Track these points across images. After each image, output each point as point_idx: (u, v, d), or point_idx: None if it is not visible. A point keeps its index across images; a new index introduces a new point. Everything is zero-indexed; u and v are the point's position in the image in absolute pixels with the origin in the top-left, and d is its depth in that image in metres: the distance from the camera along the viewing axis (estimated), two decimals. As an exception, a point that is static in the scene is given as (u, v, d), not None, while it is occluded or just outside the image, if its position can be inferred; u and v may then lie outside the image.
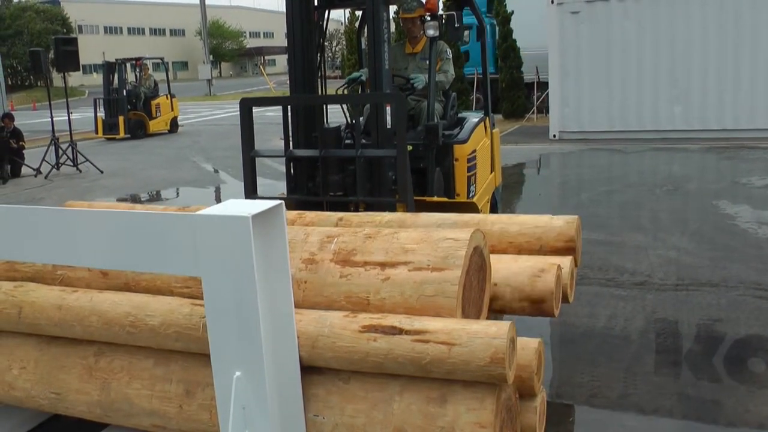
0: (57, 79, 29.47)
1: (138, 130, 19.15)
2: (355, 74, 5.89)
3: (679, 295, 5.36)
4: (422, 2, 5.65)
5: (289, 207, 4.42)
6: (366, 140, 5.06)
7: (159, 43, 69.90)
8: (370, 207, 4.67)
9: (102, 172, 13.09)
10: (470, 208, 5.23)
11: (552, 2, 14.24)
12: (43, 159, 13.05)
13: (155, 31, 76.06)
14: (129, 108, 19.06)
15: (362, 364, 2.39)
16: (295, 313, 2.37)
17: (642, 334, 4.72)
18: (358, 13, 7.45)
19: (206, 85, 41.27)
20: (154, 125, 19.67)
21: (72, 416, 3.01)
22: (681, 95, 13.72)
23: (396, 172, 4.71)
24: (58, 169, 13.16)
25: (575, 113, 14.57)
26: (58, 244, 2.37)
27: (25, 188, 12.07)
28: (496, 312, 3.09)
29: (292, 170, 5.16)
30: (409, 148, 4.92)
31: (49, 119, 13.62)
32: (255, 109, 5.09)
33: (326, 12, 5.62)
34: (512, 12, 17.83)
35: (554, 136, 14.69)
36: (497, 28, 18.32)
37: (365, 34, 5.74)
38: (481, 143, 6.02)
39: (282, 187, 5.49)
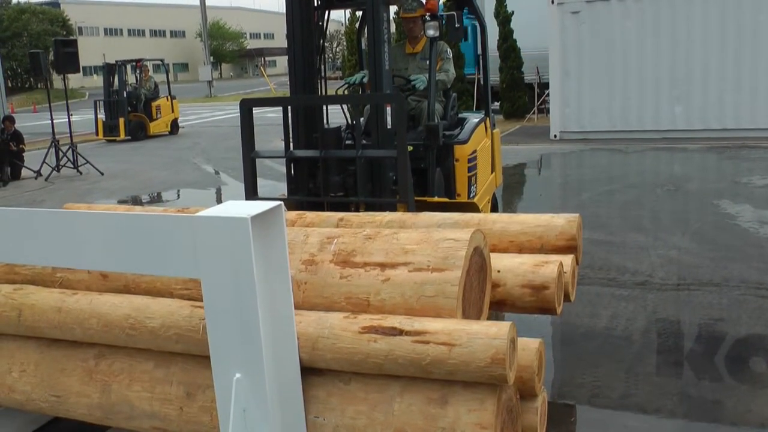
0: (57, 81, 29.46)
1: (138, 132, 19.14)
2: (352, 78, 5.89)
3: (681, 295, 5.35)
4: (422, 2, 5.65)
5: (289, 208, 4.42)
6: (366, 141, 5.06)
7: (159, 45, 69.95)
8: (370, 207, 4.66)
9: (102, 174, 13.09)
10: (471, 208, 5.23)
11: (552, 2, 14.23)
12: (44, 161, 13.05)
13: (155, 33, 76.11)
14: (129, 110, 19.05)
15: (363, 366, 2.39)
16: (295, 315, 2.37)
17: (643, 333, 4.71)
18: (359, 13, 7.45)
19: (207, 86, 41.27)
20: (154, 127, 19.66)
21: (73, 419, 3.01)
22: (682, 95, 13.70)
23: (396, 172, 4.71)
24: (58, 171, 13.16)
25: (576, 113, 14.56)
26: (58, 247, 2.37)
27: (25, 191, 12.07)
28: (497, 302, 3.06)
29: (292, 171, 5.15)
30: (410, 148, 4.92)
31: (50, 121, 13.62)
32: (255, 110, 5.08)
33: (326, 13, 5.62)
34: (512, 12, 17.81)
35: (555, 136, 14.67)
36: (497, 29, 18.29)
37: (365, 35, 5.74)
38: (482, 143, 6.02)
39: (283, 188, 5.49)
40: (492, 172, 6.51)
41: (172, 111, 20.49)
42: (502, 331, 2.25)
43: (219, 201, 10.31)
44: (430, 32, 5.33)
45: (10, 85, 45.82)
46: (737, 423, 3.60)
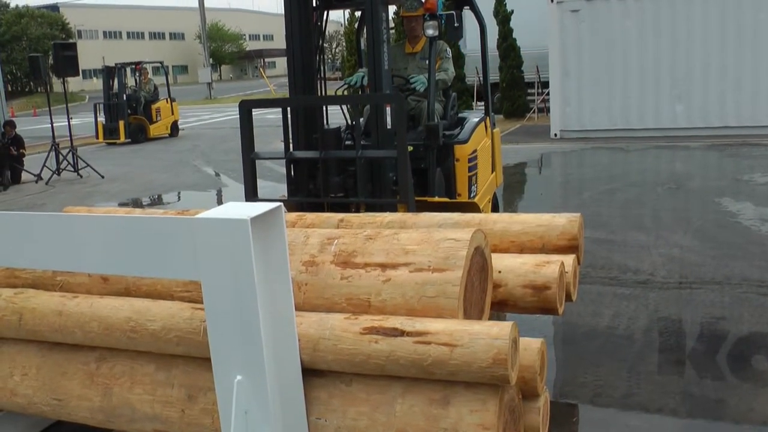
0: (57, 84, 29.52)
1: (138, 135, 19.15)
2: (351, 78, 5.88)
3: (682, 294, 5.34)
4: (422, 1, 5.64)
5: (290, 209, 4.41)
6: (366, 141, 5.05)
7: (159, 47, 69.98)
8: (371, 208, 4.66)
9: (103, 177, 13.09)
10: (471, 208, 5.22)
11: (552, 1, 14.22)
12: (44, 165, 13.05)
13: (155, 35, 76.14)
14: (129, 112, 19.04)
15: (364, 367, 2.38)
16: (296, 316, 2.36)
17: (645, 332, 4.71)
18: (358, 13, 7.45)
19: (206, 88, 41.28)
20: (154, 129, 19.66)
21: (74, 422, 3.00)
22: (682, 93, 13.69)
23: (397, 172, 4.71)
24: (58, 174, 13.16)
25: (576, 112, 14.55)
26: (58, 250, 2.37)
27: (26, 194, 12.07)
28: (499, 303, 3.04)
29: (292, 172, 5.15)
30: (410, 148, 4.91)
31: (50, 125, 13.62)
32: (255, 112, 5.08)
33: (325, 13, 5.61)
34: (512, 11, 17.80)
35: (555, 135, 14.67)
36: (497, 28, 18.28)
37: (364, 35, 5.73)
38: (482, 143, 6.01)
39: (283, 190, 5.49)
40: (492, 172, 6.50)
41: (172, 113, 20.49)
42: (503, 332, 2.25)
43: (220, 203, 10.30)
44: (430, 32, 5.32)
45: (10, 89, 45.87)
46: (739, 421, 3.59)
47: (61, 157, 13.27)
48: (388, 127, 4.83)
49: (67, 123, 13.85)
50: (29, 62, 14.50)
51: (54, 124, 13.56)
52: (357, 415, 2.41)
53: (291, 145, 5.11)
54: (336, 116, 5.74)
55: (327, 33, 6.17)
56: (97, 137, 19.09)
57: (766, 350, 4.36)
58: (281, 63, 73.77)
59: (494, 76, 17.62)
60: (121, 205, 10.49)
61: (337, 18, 61.52)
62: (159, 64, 22.53)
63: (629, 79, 14.04)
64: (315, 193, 5.08)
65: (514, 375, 2.28)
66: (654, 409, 3.72)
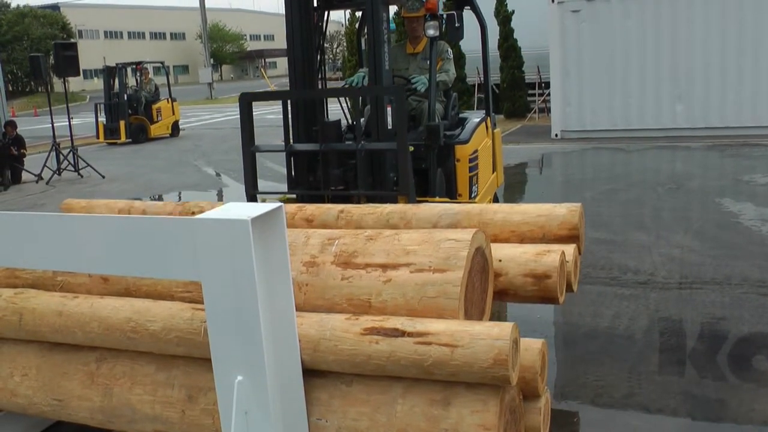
0: (57, 84, 29.48)
1: (139, 135, 19.15)
2: (351, 78, 5.88)
3: (683, 294, 5.34)
4: (423, 1, 5.64)
5: (290, 203, 4.41)
6: (366, 141, 5.05)
7: (159, 47, 70.02)
8: (371, 200, 4.65)
9: (104, 177, 13.09)
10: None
11: (553, 1, 14.22)
12: (45, 165, 13.06)
13: (155, 35, 76.16)
14: (130, 112, 19.05)
15: (364, 367, 2.38)
16: (297, 317, 2.36)
17: (646, 333, 4.70)
18: (359, 14, 7.45)
19: (207, 88, 41.30)
20: (155, 129, 19.67)
21: (75, 423, 3.00)
22: (683, 93, 13.68)
23: (397, 164, 4.70)
24: (59, 174, 13.16)
25: (577, 112, 14.53)
26: (59, 250, 2.37)
27: (26, 194, 12.07)
28: (499, 292, 3.01)
29: (292, 165, 5.15)
30: (411, 148, 4.91)
31: (50, 125, 13.62)
32: (255, 112, 5.08)
33: (326, 13, 5.61)
34: (513, 11, 17.79)
35: (556, 135, 14.65)
36: (498, 29, 18.28)
37: (365, 35, 5.73)
38: (483, 143, 6.01)
39: (283, 189, 5.49)
40: (493, 172, 6.50)
41: (173, 113, 20.50)
42: (504, 332, 2.24)
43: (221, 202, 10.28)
44: (430, 32, 5.33)
45: (10, 88, 45.92)
46: (740, 422, 3.59)
47: (61, 157, 13.28)
48: (389, 127, 4.82)
49: (67, 123, 13.85)
50: (30, 62, 14.50)
51: (55, 124, 13.57)
52: (357, 416, 2.41)
53: (291, 138, 5.11)
54: (336, 117, 5.73)
55: (328, 33, 6.16)
56: (98, 137, 19.10)
57: (767, 350, 4.35)
58: (282, 63, 73.85)
59: (495, 76, 17.64)
60: (122, 205, 10.46)
61: (338, 18, 61.55)
62: (160, 64, 22.54)
63: (630, 79, 14.03)
64: (315, 185, 5.08)
65: (514, 375, 2.28)
66: (655, 409, 3.71)
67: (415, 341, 2.29)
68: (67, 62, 13.39)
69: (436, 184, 5.31)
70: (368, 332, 2.36)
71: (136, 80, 20.49)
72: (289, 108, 5.17)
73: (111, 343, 2.81)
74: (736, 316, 4.84)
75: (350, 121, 5.62)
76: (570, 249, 3.17)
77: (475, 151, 5.73)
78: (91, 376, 2.87)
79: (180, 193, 11.60)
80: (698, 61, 13.48)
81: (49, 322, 2.90)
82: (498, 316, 4.57)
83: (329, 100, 5.57)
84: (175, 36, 77.99)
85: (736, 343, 4.48)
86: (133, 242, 2.22)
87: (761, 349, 4.38)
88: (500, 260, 2.98)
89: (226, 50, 76.31)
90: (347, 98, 5.98)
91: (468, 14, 6.33)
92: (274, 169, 11.39)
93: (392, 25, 15.01)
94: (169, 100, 20.27)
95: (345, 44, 24.84)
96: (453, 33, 5.64)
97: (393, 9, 9.54)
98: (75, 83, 42.61)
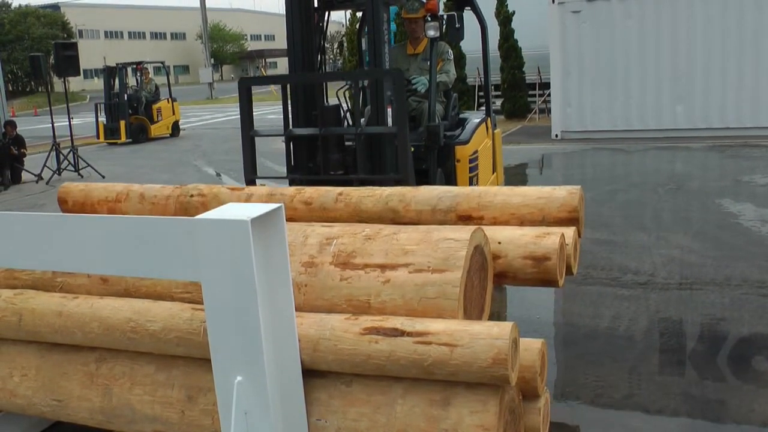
0: (58, 84, 29.51)
1: (139, 135, 19.15)
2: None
3: (683, 295, 5.34)
4: (423, 2, 5.64)
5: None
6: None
7: (160, 47, 70.04)
8: (370, 184, 4.64)
9: (104, 177, 13.08)
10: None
11: (553, 2, 14.21)
12: (45, 165, 13.06)
13: (156, 35, 76.19)
14: (130, 112, 19.05)
15: (364, 367, 2.38)
16: (296, 317, 2.36)
17: (646, 333, 4.70)
18: (359, 14, 7.44)
19: (207, 88, 41.31)
20: (155, 129, 19.67)
21: (74, 423, 3.00)
22: (683, 94, 13.67)
23: (397, 148, 4.70)
24: (59, 174, 13.16)
25: (577, 113, 14.53)
26: (58, 251, 2.37)
27: (26, 194, 12.07)
28: (498, 275, 2.98)
29: (291, 150, 5.15)
30: (411, 149, 4.91)
31: (50, 125, 13.62)
32: (255, 112, 5.08)
33: (326, 13, 5.61)
34: (513, 12, 17.79)
35: (556, 136, 14.65)
36: (498, 29, 18.28)
37: (365, 35, 5.73)
38: (483, 144, 6.01)
39: (282, 183, 5.48)
40: (493, 173, 6.50)
41: (173, 113, 20.50)
42: (504, 332, 2.25)
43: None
44: (430, 33, 5.32)
45: (11, 88, 45.94)
46: (740, 422, 3.59)
47: (61, 157, 13.28)
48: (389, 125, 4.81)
49: (68, 123, 13.85)
50: (30, 62, 14.50)
51: (55, 124, 13.57)
52: (357, 416, 2.41)
53: (290, 124, 5.11)
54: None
55: (328, 33, 6.16)
56: (98, 137, 19.10)
57: (767, 351, 4.35)
58: (282, 63, 73.83)
59: (496, 76, 17.64)
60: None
61: (338, 18, 61.53)
62: (160, 64, 22.55)
63: (630, 79, 14.03)
64: (314, 170, 5.08)
65: (514, 375, 2.28)
66: (655, 409, 3.71)
67: (415, 341, 2.29)
68: (68, 62, 13.40)
69: (436, 185, 5.30)
70: (368, 332, 2.36)
71: (137, 80, 20.50)
72: (289, 97, 5.17)
73: (111, 344, 2.81)
74: (736, 316, 4.84)
75: (351, 122, 5.59)
76: (570, 232, 3.14)
77: (475, 151, 5.73)
78: (90, 376, 2.87)
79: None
80: (699, 62, 13.48)
81: (48, 322, 2.90)
82: (498, 316, 4.56)
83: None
84: (175, 36, 78.01)
85: (736, 343, 4.48)
86: (132, 243, 2.22)
87: (761, 349, 4.38)
88: (500, 242, 2.95)
89: (226, 50, 76.37)
90: (347, 98, 5.98)
91: (468, 15, 6.33)
92: (274, 169, 11.38)
93: (392, 26, 15.02)
94: (170, 100, 20.27)
95: (345, 44, 24.84)
96: (453, 34, 5.63)
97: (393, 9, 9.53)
98: (75, 83, 42.63)
